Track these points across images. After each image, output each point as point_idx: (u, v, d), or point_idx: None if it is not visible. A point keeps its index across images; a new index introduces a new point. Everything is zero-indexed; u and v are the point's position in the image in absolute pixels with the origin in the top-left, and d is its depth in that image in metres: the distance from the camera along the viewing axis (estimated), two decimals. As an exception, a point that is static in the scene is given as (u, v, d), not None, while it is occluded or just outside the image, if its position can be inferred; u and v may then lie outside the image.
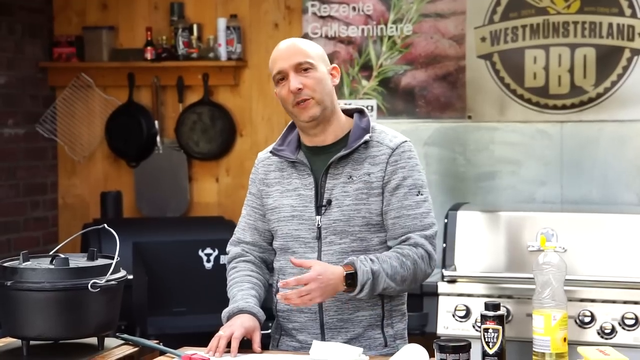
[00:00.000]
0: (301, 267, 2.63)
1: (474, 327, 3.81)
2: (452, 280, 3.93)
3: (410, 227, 2.71)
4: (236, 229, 2.93)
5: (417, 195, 2.73)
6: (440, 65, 4.76)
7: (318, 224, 2.73)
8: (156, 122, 5.15)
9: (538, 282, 2.52)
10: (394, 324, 2.79)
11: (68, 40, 5.23)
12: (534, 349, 2.49)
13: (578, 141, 4.55)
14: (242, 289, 2.77)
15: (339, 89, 4.74)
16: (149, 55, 5.09)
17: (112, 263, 2.62)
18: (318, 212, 2.73)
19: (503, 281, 3.89)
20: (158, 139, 5.15)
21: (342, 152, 2.72)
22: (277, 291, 2.77)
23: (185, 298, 4.25)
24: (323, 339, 2.73)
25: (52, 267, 2.59)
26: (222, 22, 5.02)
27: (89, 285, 2.54)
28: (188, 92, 5.16)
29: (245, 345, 2.66)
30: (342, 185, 2.72)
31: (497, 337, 2.46)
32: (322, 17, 4.92)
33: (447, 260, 4.03)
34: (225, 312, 2.74)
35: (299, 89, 2.69)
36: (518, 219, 3.98)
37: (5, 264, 2.63)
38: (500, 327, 2.46)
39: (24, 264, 2.63)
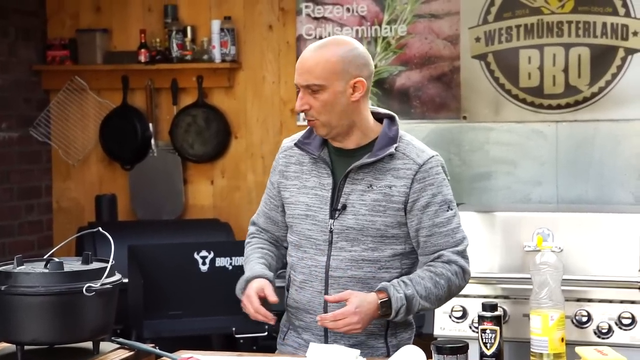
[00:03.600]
0: (339, 302, 2.60)
1: (470, 328, 3.80)
2: (449, 281, 3.91)
3: (442, 244, 2.68)
4: (257, 210, 2.97)
5: (447, 210, 2.70)
6: (434, 65, 4.75)
7: (330, 228, 2.70)
8: (150, 125, 5.15)
9: (535, 282, 2.52)
10: (398, 333, 2.75)
11: (62, 43, 5.21)
12: (531, 350, 2.49)
13: (573, 141, 4.54)
14: (250, 260, 2.82)
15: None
16: (142, 58, 5.08)
17: (107, 266, 2.61)
18: (332, 216, 2.69)
19: (500, 282, 3.87)
20: (152, 141, 5.15)
21: (365, 160, 2.66)
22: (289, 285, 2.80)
23: (181, 301, 4.23)
24: (326, 341, 2.72)
25: (47, 271, 2.58)
26: (216, 24, 5.00)
27: (84, 289, 2.52)
28: (182, 94, 5.15)
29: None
30: (360, 192, 2.67)
31: (495, 338, 2.46)
32: (316, 19, 4.92)
33: (443, 261, 4.01)
34: (239, 288, 2.77)
35: (305, 110, 2.65)
36: (514, 219, 3.96)
37: (-1, 269, 2.61)
38: (497, 328, 2.46)
39: (18, 268, 2.61)
